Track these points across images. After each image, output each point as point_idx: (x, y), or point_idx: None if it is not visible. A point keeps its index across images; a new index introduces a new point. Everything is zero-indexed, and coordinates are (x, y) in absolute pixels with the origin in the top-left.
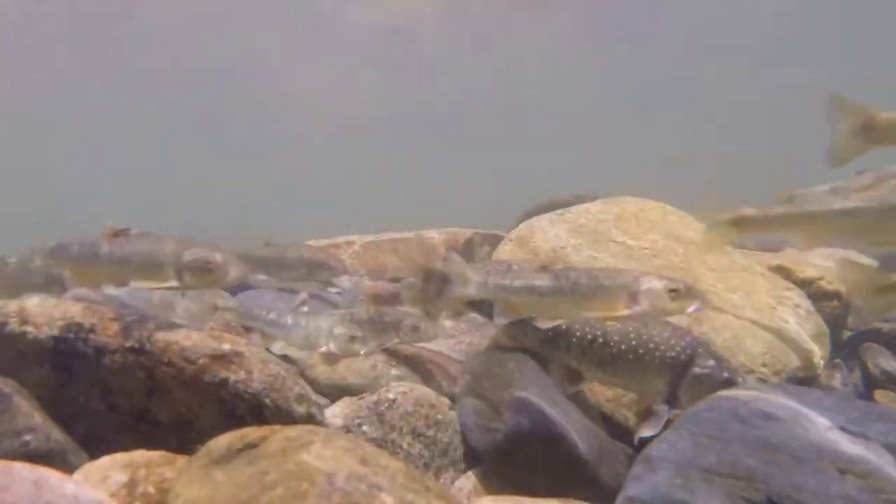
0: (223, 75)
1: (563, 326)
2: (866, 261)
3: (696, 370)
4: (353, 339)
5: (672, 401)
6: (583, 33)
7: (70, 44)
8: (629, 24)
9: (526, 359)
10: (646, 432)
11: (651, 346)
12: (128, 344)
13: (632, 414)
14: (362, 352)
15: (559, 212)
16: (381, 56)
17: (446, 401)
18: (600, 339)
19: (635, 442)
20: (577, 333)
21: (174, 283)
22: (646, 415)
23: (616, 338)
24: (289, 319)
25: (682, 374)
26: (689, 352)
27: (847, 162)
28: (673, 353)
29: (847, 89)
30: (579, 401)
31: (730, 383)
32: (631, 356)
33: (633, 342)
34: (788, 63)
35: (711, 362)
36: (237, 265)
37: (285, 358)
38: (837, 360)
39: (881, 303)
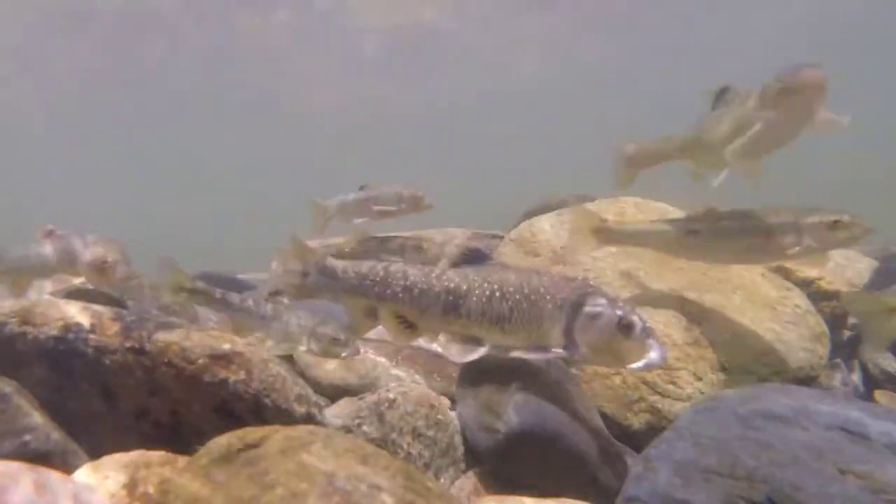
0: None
1: (464, 288)
2: (866, 262)
3: (588, 309)
4: (335, 340)
5: (570, 346)
6: (584, 31)
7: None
8: (629, 23)
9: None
10: (524, 355)
11: (542, 290)
12: (128, 344)
13: (632, 414)
14: (343, 355)
15: (559, 212)
16: (381, 57)
17: (446, 401)
18: (497, 294)
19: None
20: (477, 292)
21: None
22: (535, 348)
23: (511, 289)
24: (268, 310)
25: (575, 316)
26: (578, 292)
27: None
28: (562, 295)
29: None
30: (579, 401)
31: (625, 322)
32: (525, 305)
33: (526, 291)
34: None
35: (602, 300)
36: (122, 264)
37: (287, 358)
38: (837, 360)
39: (894, 325)
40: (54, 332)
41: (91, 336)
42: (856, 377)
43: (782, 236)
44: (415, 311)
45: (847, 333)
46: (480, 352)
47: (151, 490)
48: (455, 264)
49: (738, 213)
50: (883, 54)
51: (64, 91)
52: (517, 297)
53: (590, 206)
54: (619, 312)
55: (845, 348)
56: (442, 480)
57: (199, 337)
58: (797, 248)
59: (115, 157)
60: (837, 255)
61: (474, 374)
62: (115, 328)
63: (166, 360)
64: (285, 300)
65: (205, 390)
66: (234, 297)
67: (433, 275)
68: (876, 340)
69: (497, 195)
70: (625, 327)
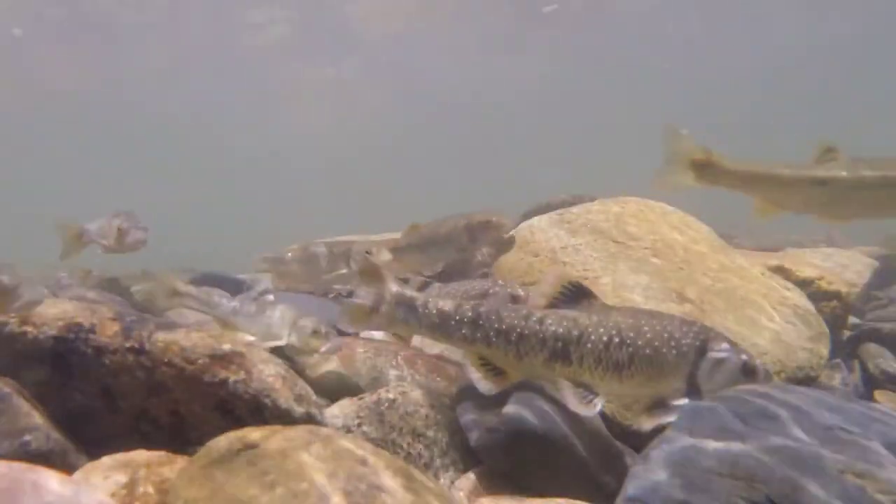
0: (223, 74)
1: (576, 333)
2: (867, 261)
3: (712, 355)
4: (315, 332)
5: (693, 393)
6: (582, 34)
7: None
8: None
9: None
10: (649, 424)
11: (665, 336)
12: (128, 344)
13: (632, 414)
14: (322, 349)
15: (559, 212)
16: (381, 59)
17: (446, 401)
18: (616, 340)
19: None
20: (592, 338)
21: None
22: (656, 406)
23: (631, 334)
24: (252, 308)
25: (699, 363)
26: (702, 338)
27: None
28: (686, 341)
29: None
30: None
31: (748, 367)
32: (647, 352)
33: (649, 335)
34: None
35: (725, 345)
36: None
37: (286, 358)
38: (837, 360)
39: None
40: (54, 332)
41: (91, 336)
42: (856, 377)
43: None
44: (510, 357)
45: (847, 333)
46: (598, 405)
47: (151, 490)
48: (552, 303)
49: (878, 162)
50: None
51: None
52: (638, 343)
53: (590, 206)
54: (743, 357)
55: (845, 348)
56: (442, 480)
57: (199, 337)
58: None
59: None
60: (838, 255)
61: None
62: (115, 328)
63: (166, 360)
64: (270, 297)
65: (205, 390)
66: (218, 298)
67: (534, 318)
68: None
69: (496, 196)
70: (750, 372)
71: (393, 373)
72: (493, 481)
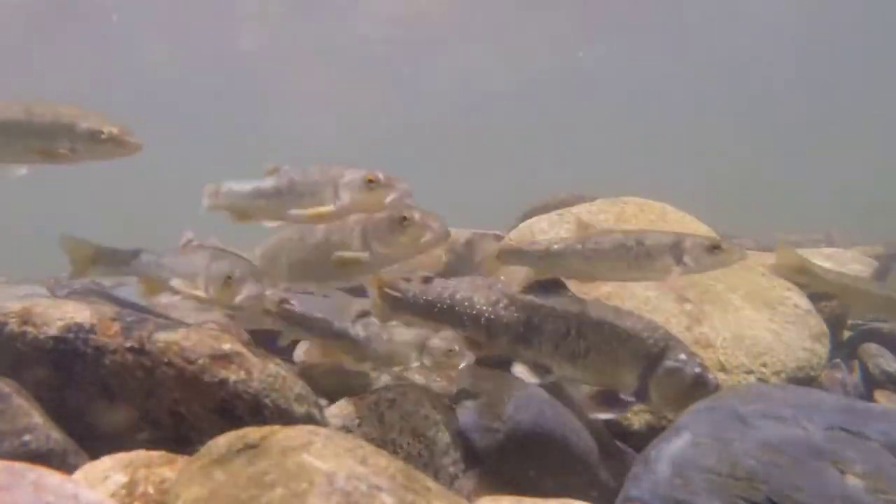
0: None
1: (536, 321)
2: (866, 261)
3: (668, 363)
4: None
5: (641, 394)
6: (583, 32)
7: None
8: (629, 22)
9: None
10: (604, 416)
11: (624, 337)
12: (128, 344)
13: (632, 414)
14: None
15: (559, 212)
16: (381, 56)
17: (446, 401)
18: (573, 332)
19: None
20: (551, 327)
21: None
22: (608, 397)
23: (591, 329)
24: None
25: (654, 367)
26: (661, 344)
27: None
28: (644, 345)
29: None
30: (579, 401)
31: (701, 380)
32: (604, 347)
33: (607, 332)
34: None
35: (683, 356)
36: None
37: (286, 358)
38: (837, 360)
39: None
40: (54, 332)
41: (91, 336)
42: (856, 377)
43: None
44: (482, 338)
45: (847, 333)
46: (548, 378)
47: (151, 490)
48: (525, 290)
49: None
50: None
51: None
52: (596, 338)
53: (590, 205)
54: (696, 370)
55: (845, 348)
56: (442, 480)
57: (199, 337)
58: None
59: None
60: (838, 255)
61: (474, 375)
62: (115, 328)
63: (166, 360)
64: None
65: (205, 390)
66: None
67: (501, 304)
68: None
69: (496, 196)
70: (700, 385)
71: (393, 372)
72: (493, 481)
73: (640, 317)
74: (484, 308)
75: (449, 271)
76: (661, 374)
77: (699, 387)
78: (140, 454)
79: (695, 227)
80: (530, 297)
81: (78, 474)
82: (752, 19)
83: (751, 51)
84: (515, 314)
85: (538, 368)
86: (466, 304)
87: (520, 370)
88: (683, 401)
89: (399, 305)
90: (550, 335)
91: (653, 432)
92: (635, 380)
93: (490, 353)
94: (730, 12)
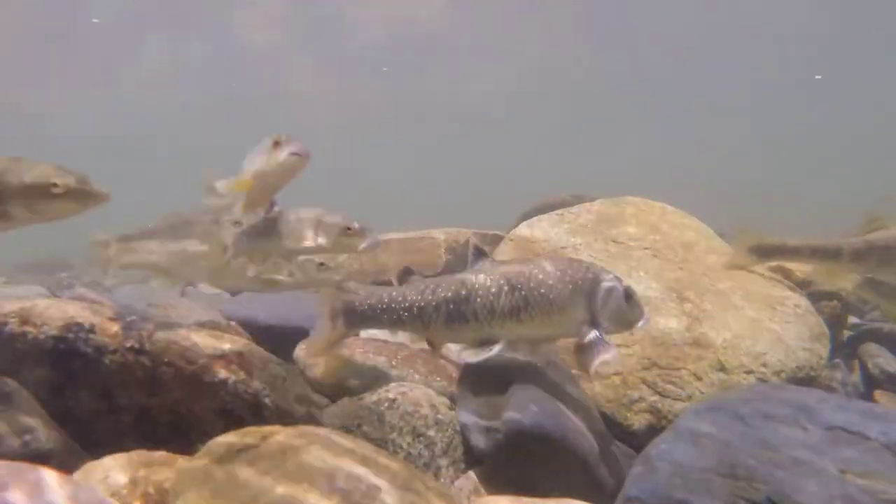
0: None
1: (463, 293)
2: None
3: (605, 284)
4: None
5: (595, 322)
6: (583, 32)
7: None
8: (629, 23)
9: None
10: (600, 358)
11: (559, 274)
12: (128, 344)
13: (632, 414)
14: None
15: (559, 212)
16: (382, 55)
17: (446, 401)
18: (506, 288)
19: (590, 369)
20: (480, 292)
21: None
22: (582, 348)
23: (521, 280)
24: None
25: (594, 294)
26: (593, 271)
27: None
28: (580, 275)
29: None
30: (579, 401)
31: (629, 292)
32: (541, 291)
33: (540, 277)
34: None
35: (610, 276)
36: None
37: (286, 358)
38: (837, 360)
39: None
40: (54, 332)
41: (91, 336)
42: (856, 377)
43: None
44: (419, 329)
45: (847, 333)
46: (496, 349)
47: (151, 490)
48: (445, 270)
49: None
50: None
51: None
52: (530, 285)
53: (590, 205)
54: (624, 284)
55: (845, 348)
56: (442, 480)
57: (200, 337)
58: None
59: None
60: None
61: (474, 375)
62: (115, 328)
63: (166, 360)
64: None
65: (205, 390)
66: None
67: (428, 290)
68: None
69: (496, 195)
70: (629, 296)
71: (393, 372)
72: (493, 481)
73: (560, 258)
74: (414, 299)
75: (449, 271)
76: (604, 294)
77: (629, 298)
78: (140, 454)
79: (695, 227)
80: (452, 274)
81: (78, 474)
82: (752, 19)
83: (751, 51)
84: (442, 294)
85: (483, 343)
86: (400, 299)
87: (463, 352)
88: (625, 317)
89: (354, 318)
90: (483, 299)
91: (653, 432)
92: (585, 311)
93: (435, 341)
94: (730, 12)
